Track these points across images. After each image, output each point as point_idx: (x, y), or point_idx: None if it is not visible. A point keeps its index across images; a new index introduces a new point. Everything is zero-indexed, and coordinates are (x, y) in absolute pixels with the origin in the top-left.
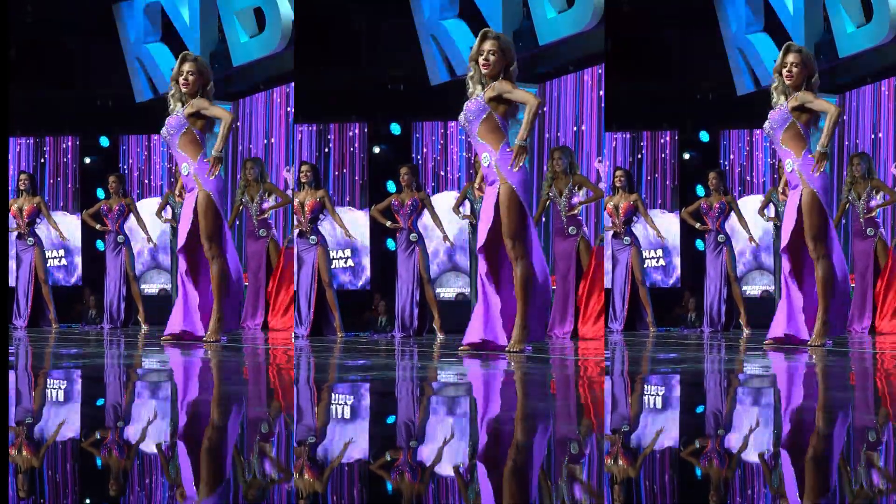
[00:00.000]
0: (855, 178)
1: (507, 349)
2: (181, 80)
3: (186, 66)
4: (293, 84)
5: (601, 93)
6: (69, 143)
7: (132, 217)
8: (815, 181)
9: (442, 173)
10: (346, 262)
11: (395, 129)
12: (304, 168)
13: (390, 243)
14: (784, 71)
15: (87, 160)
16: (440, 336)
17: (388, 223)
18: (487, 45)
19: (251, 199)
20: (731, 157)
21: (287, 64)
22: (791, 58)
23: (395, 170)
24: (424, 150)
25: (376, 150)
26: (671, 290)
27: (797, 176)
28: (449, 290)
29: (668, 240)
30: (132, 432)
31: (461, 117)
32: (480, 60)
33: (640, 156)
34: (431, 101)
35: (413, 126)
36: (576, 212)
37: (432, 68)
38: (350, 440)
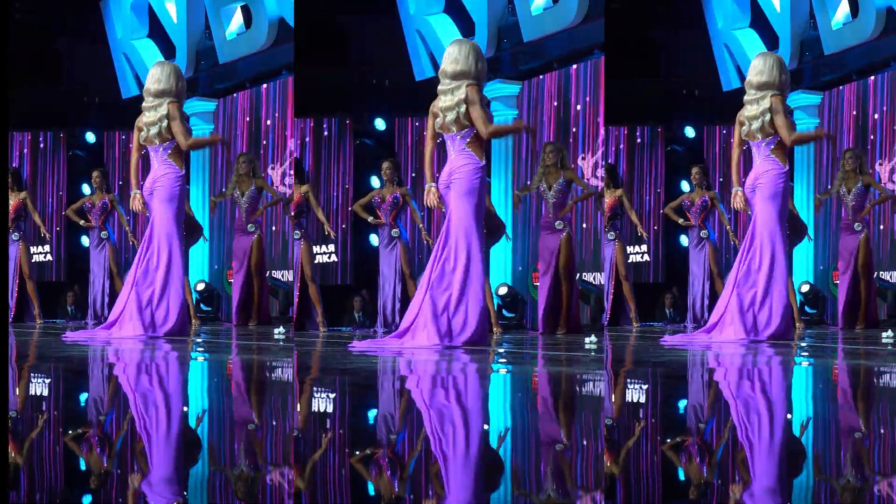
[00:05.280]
0: (847, 172)
1: None
2: None
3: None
4: (280, 80)
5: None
6: (53, 138)
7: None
8: None
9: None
10: (329, 258)
11: (380, 124)
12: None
13: (372, 239)
14: None
15: (72, 154)
16: None
17: (370, 218)
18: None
19: (241, 195)
20: (716, 152)
21: (274, 60)
22: None
23: (378, 165)
24: (408, 146)
25: (358, 143)
26: (654, 285)
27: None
28: None
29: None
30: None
31: None
32: None
33: (623, 151)
34: (416, 96)
35: (397, 121)
36: (567, 210)
37: (417, 64)
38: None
